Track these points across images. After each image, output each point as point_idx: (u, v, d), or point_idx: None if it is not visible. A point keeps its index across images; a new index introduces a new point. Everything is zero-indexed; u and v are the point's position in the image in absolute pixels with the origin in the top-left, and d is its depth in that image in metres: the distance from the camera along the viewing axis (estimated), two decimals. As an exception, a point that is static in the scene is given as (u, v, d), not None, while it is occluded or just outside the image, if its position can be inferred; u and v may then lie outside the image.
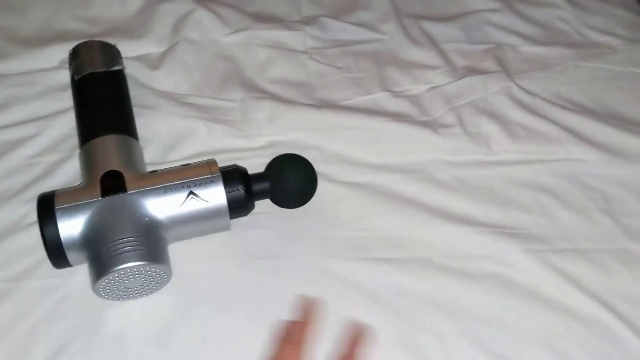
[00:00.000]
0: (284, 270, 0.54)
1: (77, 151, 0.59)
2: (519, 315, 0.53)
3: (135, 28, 0.70)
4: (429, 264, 0.56)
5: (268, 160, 0.58)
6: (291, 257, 0.55)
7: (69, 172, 0.58)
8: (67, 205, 0.49)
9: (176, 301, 0.52)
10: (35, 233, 0.52)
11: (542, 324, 0.52)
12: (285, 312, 0.51)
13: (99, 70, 0.60)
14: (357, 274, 0.54)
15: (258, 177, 0.55)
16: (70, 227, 0.49)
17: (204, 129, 0.62)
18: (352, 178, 0.61)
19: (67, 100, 0.63)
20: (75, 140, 0.60)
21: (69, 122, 0.61)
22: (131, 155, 0.55)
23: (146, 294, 0.51)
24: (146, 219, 0.50)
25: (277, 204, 0.57)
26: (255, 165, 0.56)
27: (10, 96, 0.63)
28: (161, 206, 0.51)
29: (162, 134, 0.61)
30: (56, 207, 0.49)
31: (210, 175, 0.52)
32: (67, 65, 0.65)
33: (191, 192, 0.51)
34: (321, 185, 0.57)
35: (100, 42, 0.63)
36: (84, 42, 0.62)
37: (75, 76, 0.60)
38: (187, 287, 0.52)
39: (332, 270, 0.54)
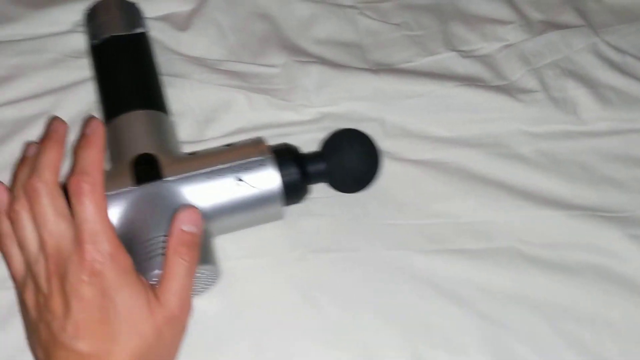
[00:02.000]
0: (347, 265, 0.48)
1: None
2: (625, 313, 0.47)
3: (156, -18, 0.62)
4: (515, 255, 0.49)
5: (319, 135, 0.52)
6: (354, 250, 0.49)
7: (90, 155, 0.51)
8: None
9: (226, 304, 0.46)
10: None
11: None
12: (350, 313, 0.46)
13: (120, 33, 0.52)
14: (433, 269, 0.48)
15: (313, 157, 0.48)
16: None
17: (243, 100, 0.55)
18: (420, 155, 0.54)
19: (83, 69, 0.56)
20: (97, 115, 0.53)
21: (87, 95, 0.55)
22: (164, 134, 0.49)
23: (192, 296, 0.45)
24: None
25: (334, 188, 0.50)
26: (305, 141, 0.50)
27: (18, 66, 0.56)
28: (204, 195, 0.44)
29: (195, 107, 0.55)
30: None
31: (259, 158, 0.45)
32: (80, 29, 0.58)
33: (239, 179, 0.45)
34: (384, 164, 0.51)
35: (120, 0, 0.55)
36: (101, 1, 0.55)
37: (93, 41, 0.53)
38: (238, 287, 0.46)
39: (403, 264, 0.48)
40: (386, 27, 0.61)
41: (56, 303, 0.37)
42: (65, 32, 0.58)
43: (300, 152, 0.48)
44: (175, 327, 0.40)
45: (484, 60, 0.59)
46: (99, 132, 0.41)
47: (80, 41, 0.57)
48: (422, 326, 0.46)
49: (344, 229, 0.50)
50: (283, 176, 0.45)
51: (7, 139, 0.52)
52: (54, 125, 0.43)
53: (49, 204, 0.38)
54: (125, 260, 0.39)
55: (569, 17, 0.63)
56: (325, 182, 0.49)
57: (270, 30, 0.60)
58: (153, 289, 0.39)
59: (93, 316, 0.37)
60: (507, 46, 0.60)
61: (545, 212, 0.51)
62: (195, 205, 0.44)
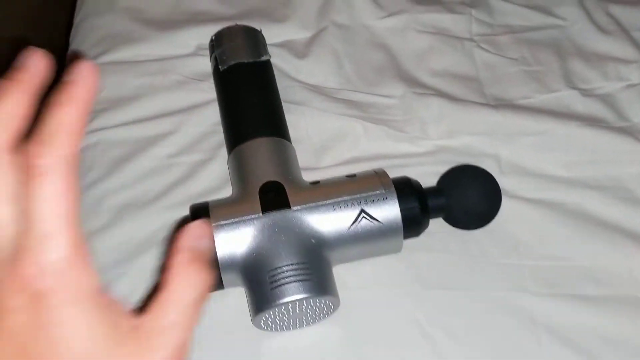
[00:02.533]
0: (463, 303, 0.48)
1: (221, 150, 0.54)
2: None
3: (276, 9, 0.64)
4: (636, 304, 0.48)
5: (434, 168, 0.52)
6: (469, 289, 0.49)
7: (212, 175, 0.54)
8: (225, 222, 0.44)
9: (343, 334, 0.46)
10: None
11: None
12: (466, 352, 0.45)
13: (246, 60, 0.54)
14: (550, 314, 0.47)
15: (433, 191, 0.49)
16: (229, 246, 0.44)
17: (360, 129, 0.56)
18: (537, 194, 0.53)
19: (206, 91, 0.58)
20: (217, 137, 0.56)
21: (210, 117, 0.57)
22: (288, 161, 0.50)
23: (308, 325, 0.46)
24: (313, 240, 0.45)
25: (451, 224, 0.50)
26: (420, 174, 0.50)
27: (144, 86, 0.59)
28: (329, 226, 0.45)
29: (312, 134, 0.56)
30: (213, 223, 0.44)
31: (382, 191, 0.46)
32: (203, 52, 0.60)
33: (362, 211, 0.45)
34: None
35: (245, 27, 0.57)
36: (227, 28, 0.57)
37: (220, 67, 0.54)
38: (355, 317, 0.47)
39: (519, 306, 0.48)
40: (504, 62, 0.61)
41: None
42: (189, 55, 0.61)
43: (421, 186, 0.48)
44: None
45: (605, 99, 0.58)
46: (86, 82, 0.26)
47: (203, 64, 0.60)
48: None
49: (459, 266, 0.50)
50: (404, 210, 0.46)
51: (132, 157, 0.55)
52: (26, 60, 0.27)
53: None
54: (85, 278, 0.25)
55: (695, 57, 0.61)
56: (442, 217, 0.49)
57: (387, 60, 0.61)
58: (134, 324, 0.26)
59: (18, 358, 0.25)
60: (629, 86, 0.59)
61: (671, 262, 0.49)
62: (320, 234, 0.45)
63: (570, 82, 0.59)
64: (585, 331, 0.47)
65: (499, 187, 0.49)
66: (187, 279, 0.27)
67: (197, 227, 0.29)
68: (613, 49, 0.62)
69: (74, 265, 0.25)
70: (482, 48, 0.61)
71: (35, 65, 0.27)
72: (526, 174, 0.54)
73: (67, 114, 0.25)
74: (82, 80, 0.26)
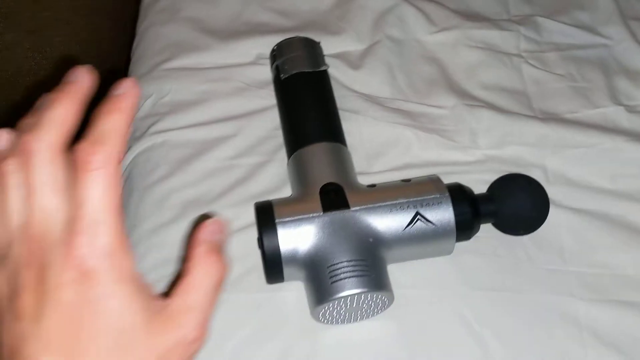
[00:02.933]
0: (510, 305, 0.50)
1: (278, 153, 0.57)
2: None
3: (332, 22, 0.67)
4: (680, 313, 0.49)
5: (483, 176, 0.55)
6: (517, 292, 0.51)
7: (270, 176, 0.57)
8: (288, 219, 0.47)
9: (394, 329, 0.49)
10: (238, 242, 0.51)
11: None
12: (513, 352, 0.47)
13: (306, 70, 0.57)
14: (596, 318, 0.49)
15: (484, 198, 0.51)
16: (291, 241, 0.47)
17: (412, 137, 0.58)
18: (582, 204, 0.55)
19: (265, 98, 0.61)
20: (275, 141, 0.59)
21: (268, 122, 0.60)
22: (345, 165, 0.53)
23: (362, 319, 0.49)
24: (371, 239, 0.47)
25: (500, 229, 0.52)
26: (469, 181, 0.52)
27: (206, 92, 0.62)
28: (386, 226, 0.48)
29: (366, 141, 0.59)
30: (277, 220, 0.47)
31: (437, 195, 0.48)
32: (262, 61, 0.64)
33: (418, 213, 0.48)
34: (545, 210, 0.52)
35: (305, 39, 0.61)
36: (288, 39, 0.60)
37: (281, 75, 0.58)
38: (406, 314, 0.49)
39: (565, 311, 0.50)
40: (551, 77, 0.63)
41: (27, 301, 0.28)
42: (249, 64, 0.64)
43: (473, 192, 0.51)
44: (184, 355, 0.30)
45: (651, 116, 0.60)
46: (131, 95, 0.31)
47: (262, 73, 0.63)
48: None
49: (507, 269, 0.52)
50: (457, 214, 0.48)
51: (194, 159, 0.58)
52: (74, 73, 0.32)
53: (46, 172, 0.29)
54: (126, 262, 0.29)
55: None
56: (492, 222, 0.52)
57: (438, 73, 0.63)
58: (163, 305, 0.30)
59: (70, 329, 0.28)
60: (674, 104, 0.61)
61: None
62: (377, 233, 0.47)
63: (615, 98, 0.62)
64: (630, 336, 0.48)
65: (547, 195, 0.52)
66: (205, 268, 0.31)
67: (214, 223, 0.33)
68: (657, 67, 0.64)
69: (118, 249, 0.29)
70: (530, 64, 0.64)
71: (82, 78, 0.31)
72: (572, 184, 0.56)
73: (116, 120, 0.30)
74: (128, 93, 0.31)
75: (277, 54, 0.60)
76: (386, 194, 0.49)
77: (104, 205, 0.29)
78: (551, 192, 0.54)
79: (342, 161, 0.53)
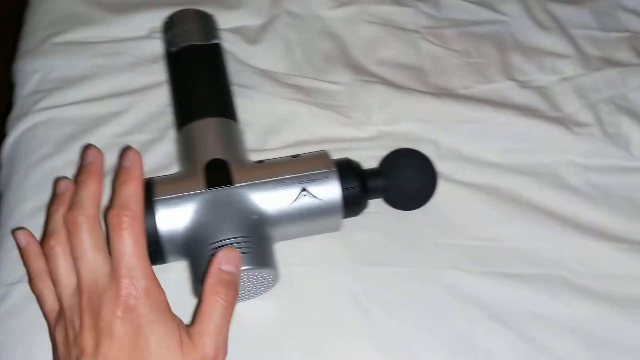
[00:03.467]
0: (398, 279, 0.50)
1: (170, 131, 0.56)
2: (669, 348, 0.48)
3: (228, -4, 0.66)
4: (563, 284, 0.51)
5: (377, 152, 0.55)
6: (405, 266, 0.51)
7: (161, 154, 0.55)
8: (168, 196, 0.46)
9: (281, 308, 0.48)
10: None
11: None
12: (399, 325, 0.48)
13: (197, 43, 0.56)
14: (480, 290, 0.50)
15: (373, 173, 0.51)
16: (171, 221, 0.46)
17: (307, 114, 0.58)
18: (472, 178, 0.56)
19: (158, 73, 0.59)
20: (167, 118, 0.57)
21: (160, 98, 0.58)
22: (234, 141, 0.52)
23: (248, 298, 0.48)
24: (255, 216, 0.47)
25: (390, 204, 0.52)
26: (363, 157, 0.52)
27: (97, 66, 0.60)
28: (271, 203, 0.47)
29: (261, 117, 0.58)
30: (155, 198, 0.46)
31: (324, 170, 0.48)
32: (156, 35, 0.62)
33: (304, 189, 0.47)
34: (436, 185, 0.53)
35: (198, 11, 0.59)
36: (180, 11, 0.59)
37: (171, 48, 0.56)
38: (294, 292, 0.49)
39: (451, 283, 0.50)
40: (447, 53, 0.63)
41: (87, 339, 0.37)
42: (142, 37, 0.62)
43: (362, 168, 0.51)
44: None
45: (541, 91, 0.61)
46: (137, 164, 0.41)
47: (156, 47, 0.61)
48: (466, 344, 0.48)
49: (397, 245, 0.52)
50: (345, 190, 0.48)
51: (81, 135, 0.56)
52: (90, 155, 0.43)
53: (89, 238, 0.39)
54: (160, 297, 0.38)
55: (626, 55, 0.65)
56: (382, 197, 0.52)
57: (336, 49, 0.63)
58: (187, 330, 0.39)
59: (123, 354, 0.36)
60: (564, 79, 0.62)
61: (595, 243, 0.53)
62: (261, 210, 0.46)
63: (509, 74, 0.63)
64: (514, 307, 0.49)
65: (435, 169, 0.52)
66: (214, 298, 0.39)
67: (226, 254, 0.41)
68: (551, 44, 0.65)
69: (152, 286, 0.38)
70: (428, 40, 0.64)
71: (97, 157, 0.43)
72: (463, 159, 0.57)
73: (132, 187, 0.40)
74: (135, 163, 0.41)
75: (169, 27, 0.58)
76: (272, 170, 0.48)
77: (137, 254, 0.38)
78: (443, 167, 0.55)
79: (231, 137, 0.52)
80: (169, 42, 0.57)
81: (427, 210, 0.54)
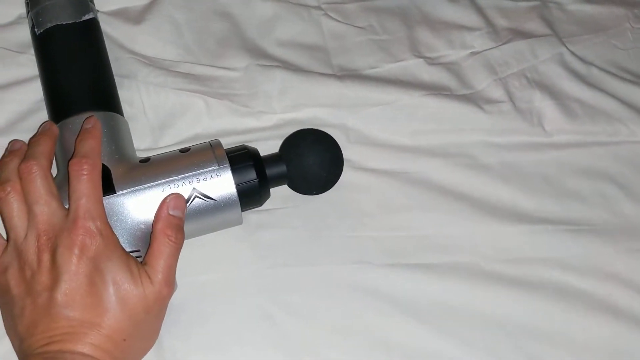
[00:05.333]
0: (305, 280, 0.49)
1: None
2: (585, 331, 0.49)
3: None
4: (476, 271, 0.51)
5: (280, 143, 0.51)
6: (312, 264, 0.50)
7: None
8: None
9: (181, 320, 0.46)
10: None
11: (615, 342, 0.49)
12: (307, 329, 0.46)
13: (67, 21, 0.50)
14: (393, 284, 0.49)
15: (272, 159, 0.49)
16: None
17: (201, 105, 0.54)
18: (382, 164, 0.55)
19: (26, 65, 0.54)
20: (39, 116, 0.52)
21: (31, 94, 0.53)
22: (118, 138, 0.48)
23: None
24: (142, 226, 0.43)
25: (295, 190, 0.50)
26: (265, 149, 0.50)
27: (-48, 62, 0.54)
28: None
29: (149, 111, 0.54)
30: None
31: (215, 167, 0.45)
32: (25, 21, 0.55)
33: (195, 190, 0.44)
34: (345, 173, 0.52)
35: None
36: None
37: (36, 29, 0.50)
38: (194, 303, 0.46)
39: (363, 279, 0.49)
40: (351, 30, 0.61)
41: (45, 275, 0.39)
42: (9, 24, 0.56)
43: (259, 155, 0.48)
44: (162, 303, 0.42)
45: (450, 68, 0.60)
46: (97, 126, 0.45)
47: (26, 34, 0.55)
48: (380, 342, 0.47)
49: (304, 241, 0.50)
50: (240, 183, 0.45)
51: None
52: (47, 125, 0.47)
53: (43, 185, 0.41)
54: (113, 237, 0.41)
55: (535, 25, 0.64)
56: (285, 184, 0.49)
57: (230, 29, 0.59)
58: (141, 267, 0.42)
59: (83, 287, 0.39)
60: (473, 54, 0.61)
61: (508, 227, 0.53)
62: (149, 219, 0.43)
63: (416, 50, 0.61)
64: (428, 300, 0.49)
65: (339, 148, 0.50)
66: (163, 240, 0.42)
67: (173, 199, 0.43)
68: (458, 17, 0.63)
69: (106, 228, 0.41)
70: (330, 17, 0.61)
71: (52, 127, 0.46)
72: (373, 144, 0.55)
73: (93, 142, 0.43)
74: (95, 126, 0.45)
75: (31, 3, 0.52)
76: (159, 170, 0.45)
77: (95, 198, 0.41)
78: (352, 153, 0.54)
79: (113, 134, 0.47)
80: (33, 24, 0.51)
81: (336, 201, 0.52)
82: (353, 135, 0.55)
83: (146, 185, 0.44)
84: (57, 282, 0.39)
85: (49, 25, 0.50)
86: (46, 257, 0.40)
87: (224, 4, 0.60)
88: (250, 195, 0.46)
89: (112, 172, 0.44)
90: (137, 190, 0.44)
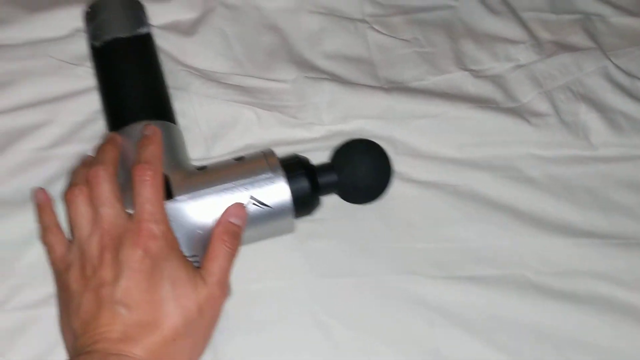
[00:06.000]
0: (356, 290, 0.50)
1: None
2: (634, 346, 0.49)
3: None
4: (524, 283, 0.51)
5: (328, 153, 0.53)
6: (363, 275, 0.50)
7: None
8: None
9: (235, 327, 0.47)
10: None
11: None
12: (359, 338, 0.47)
13: (124, 34, 0.52)
14: (442, 296, 0.50)
15: (324, 167, 0.50)
16: None
17: (252, 116, 0.56)
18: (429, 176, 0.56)
19: (84, 76, 0.56)
20: (96, 126, 0.54)
21: (88, 104, 0.55)
22: (175, 146, 0.50)
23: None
24: (200, 231, 0.44)
25: (345, 199, 0.51)
26: (314, 159, 0.51)
27: (13, 72, 0.56)
28: (216, 215, 0.45)
29: (202, 122, 0.55)
30: None
31: (269, 174, 0.46)
32: (81, 34, 0.58)
33: (251, 197, 0.45)
34: (392, 185, 0.52)
35: (124, -3, 0.55)
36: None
37: (94, 43, 0.52)
38: (247, 310, 0.47)
39: (412, 291, 0.50)
40: (396, 43, 0.62)
41: (107, 271, 0.41)
42: (66, 37, 0.58)
43: (311, 163, 0.49)
44: (215, 306, 0.44)
45: (496, 80, 0.61)
46: (157, 133, 0.47)
47: (82, 46, 0.57)
48: (431, 353, 0.48)
49: (354, 252, 0.51)
50: (293, 191, 0.47)
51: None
52: (112, 135, 0.49)
53: (109, 189, 0.43)
54: (175, 240, 0.43)
55: (579, 38, 0.65)
56: (335, 193, 0.51)
57: (278, 42, 0.61)
58: (197, 270, 0.44)
59: (142, 285, 0.41)
60: (518, 67, 0.62)
61: (555, 240, 0.53)
62: (206, 224, 0.45)
63: (461, 63, 0.62)
64: (478, 312, 0.49)
65: (388, 158, 0.51)
66: (220, 244, 0.44)
67: (235, 208, 0.45)
68: (502, 29, 0.65)
69: (168, 231, 0.43)
70: (375, 29, 0.63)
71: (118, 139, 0.48)
72: (420, 156, 0.56)
73: (155, 149, 0.45)
74: (156, 132, 0.47)
75: (90, 18, 0.54)
76: (216, 178, 0.46)
77: (158, 202, 0.43)
78: (399, 164, 0.55)
79: (170, 142, 0.49)
80: (91, 37, 0.53)
81: (385, 212, 0.53)
82: (400, 146, 0.56)
83: (203, 191, 0.45)
84: (118, 278, 0.40)
85: (108, 38, 0.52)
86: (108, 255, 0.41)
87: (271, 17, 0.62)
88: (303, 203, 0.48)
89: (170, 178, 0.46)
90: (195, 196, 0.45)
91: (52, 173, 0.51)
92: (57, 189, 0.50)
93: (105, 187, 0.43)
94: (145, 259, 0.41)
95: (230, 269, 0.44)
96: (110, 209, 0.43)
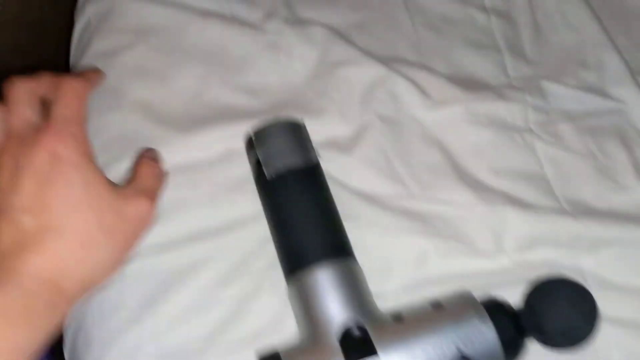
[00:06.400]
0: None
1: (272, 274, 0.49)
2: None
3: (310, 100, 0.59)
4: None
5: (513, 286, 0.48)
6: None
7: (266, 308, 0.48)
8: None
9: None
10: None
11: None
12: None
13: (297, 166, 0.49)
14: None
15: (526, 312, 0.45)
16: None
17: (427, 246, 0.51)
18: (623, 312, 0.50)
19: (242, 203, 0.52)
20: (264, 258, 0.50)
21: (252, 234, 0.51)
22: (360, 290, 0.46)
23: None
24: None
25: (544, 344, 0.46)
26: (500, 293, 0.46)
27: (166, 202, 0.51)
28: None
29: (373, 253, 0.51)
30: None
31: (477, 323, 0.42)
32: (234, 156, 0.54)
33: (459, 351, 0.41)
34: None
35: (289, 121, 0.52)
36: (268, 123, 0.51)
37: (268, 174, 0.49)
38: None
39: None
40: (568, 156, 0.57)
41: (5, 177, 0.39)
42: (217, 160, 0.54)
43: (512, 308, 0.45)
44: (141, 227, 0.43)
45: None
46: (98, 74, 0.52)
47: (234, 171, 0.54)
48: None
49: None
50: (503, 341, 0.42)
51: (163, 294, 0.48)
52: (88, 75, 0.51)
53: (23, 91, 0.43)
54: (89, 147, 0.41)
55: None
56: (535, 339, 0.46)
57: (441, 158, 0.56)
58: (120, 187, 0.43)
59: (44, 191, 0.39)
60: None
61: None
62: None
63: (642, 176, 0.56)
64: None
65: (593, 299, 0.46)
66: (149, 166, 0.46)
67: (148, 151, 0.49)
68: (680, 135, 0.59)
69: (81, 135, 0.41)
70: (543, 139, 0.58)
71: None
72: (614, 289, 0.51)
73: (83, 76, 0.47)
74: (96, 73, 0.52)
75: (256, 144, 0.51)
76: (418, 329, 0.42)
77: (76, 108, 0.42)
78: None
79: (356, 285, 0.46)
80: (261, 165, 0.50)
81: (585, 354, 0.47)
82: (591, 279, 0.51)
83: (410, 346, 0.41)
84: (16, 185, 0.39)
85: (282, 169, 0.49)
86: (10, 160, 0.40)
87: (432, 130, 0.58)
88: (512, 354, 0.43)
89: (368, 330, 0.42)
90: (400, 351, 0.41)
91: (220, 317, 0.47)
92: (228, 341, 0.46)
93: (22, 91, 0.42)
94: (47, 162, 0.39)
95: (159, 191, 0.46)
96: (22, 113, 0.42)
